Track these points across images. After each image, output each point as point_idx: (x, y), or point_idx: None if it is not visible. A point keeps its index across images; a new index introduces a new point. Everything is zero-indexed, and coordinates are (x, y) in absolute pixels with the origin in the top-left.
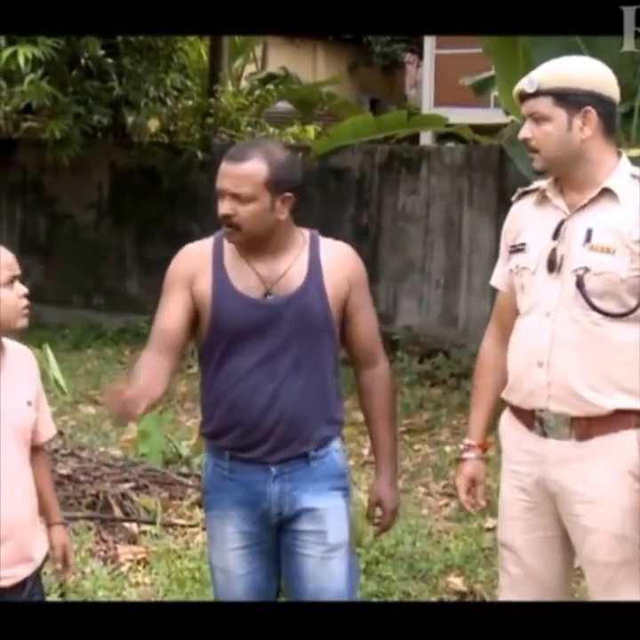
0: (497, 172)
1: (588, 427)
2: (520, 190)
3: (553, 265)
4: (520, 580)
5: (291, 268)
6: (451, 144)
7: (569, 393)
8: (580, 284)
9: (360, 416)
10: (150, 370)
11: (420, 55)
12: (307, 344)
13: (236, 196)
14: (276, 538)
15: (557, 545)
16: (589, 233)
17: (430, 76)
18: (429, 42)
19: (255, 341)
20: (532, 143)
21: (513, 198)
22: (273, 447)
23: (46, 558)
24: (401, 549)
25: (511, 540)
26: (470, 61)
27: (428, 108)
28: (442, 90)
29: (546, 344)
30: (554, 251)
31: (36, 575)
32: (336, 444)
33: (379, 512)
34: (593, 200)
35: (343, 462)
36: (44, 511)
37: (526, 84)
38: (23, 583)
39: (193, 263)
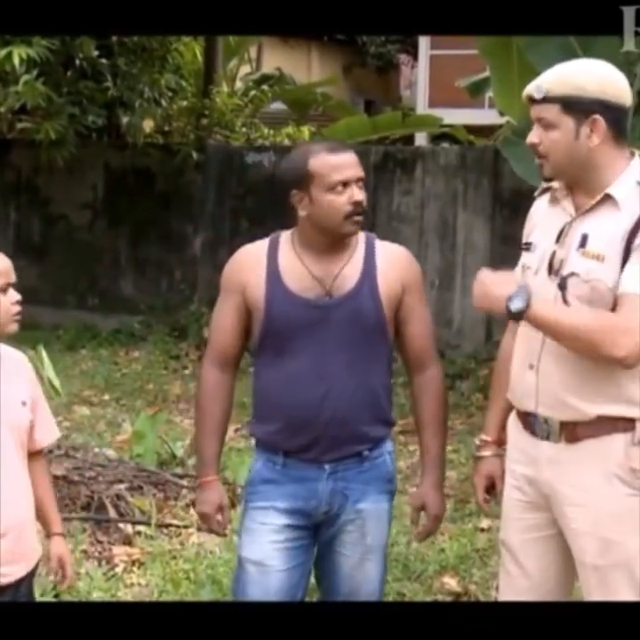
0: (492, 172)
1: (575, 430)
2: (542, 186)
3: (551, 268)
4: (518, 580)
5: (344, 269)
6: (445, 145)
7: (554, 398)
8: (562, 286)
9: None
10: (218, 402)
11: (415, 56)
12: (358, 345)
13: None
14: (314, 535)
15: (555, 545)
16: (585, 238)
17: (425, 77)
18: (424, 42)
19: (307, 342)
20: (540, 149)
21: (536, 193)
22: (326, 448)
23: (39, 562)
24: (396, 550)
25: (509, 540)
26: (465, 62)
27: (422, 108)
28: (436, 90)
29: (537, 347)
30: (554, 254)
31: (30, 577)
32: (388, 446)
33: (423, 518)
34: (595, 205)
35: (393, 465)
36: (43, 520)
37: (534, 90)
38: (18, 583)
39: (246, 265)
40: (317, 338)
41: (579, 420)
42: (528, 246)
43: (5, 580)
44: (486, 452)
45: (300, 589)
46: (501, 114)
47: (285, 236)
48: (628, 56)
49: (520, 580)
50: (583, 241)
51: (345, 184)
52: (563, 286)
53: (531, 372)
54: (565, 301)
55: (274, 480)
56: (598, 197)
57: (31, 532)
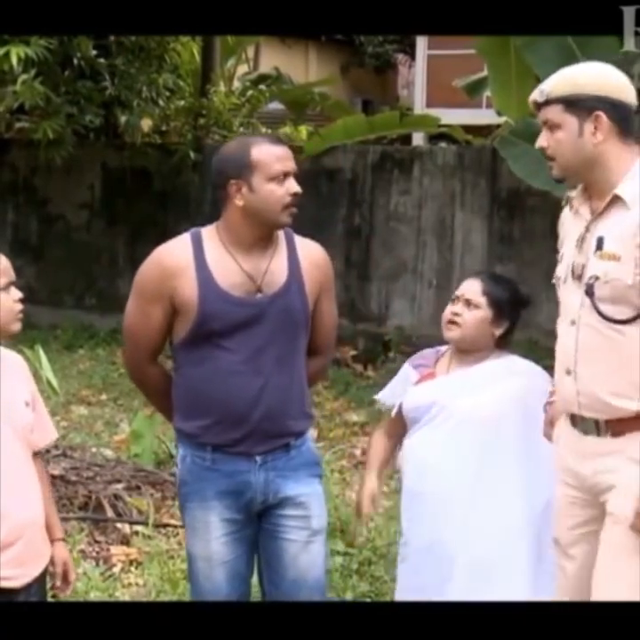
0: (489, 172)
1: (619, 426)
2: (566, 195)
3: (574, 274)
4: (573, 577)
5: (271, 265)
6: (443, 144)
7: (594, 400)
8: (589, 292)
9: (351, 417)
10: (166, 389)
11: (412, 56)
12: (288, 341)
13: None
14: (256, 524)
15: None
16: (600, 241)
17: (422, 77)
18: (421, 42)
19: (241, 339)
20: (549, 151)
21: (563, 202)
22: (257, 442)
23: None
24: (394, 550)
25: (560, 537)
26: (462, 62)
27: (420, 108)
28: (434, 90)
29: (572, 352)
30: (576, 260)
31: (43, 576)
32: (309, 435)
33: None
34: (606, 207)
35: (316, 451)
36: (46, 525)
37: (537, 94)
38: (33, 583)
39: (173, 269)
40: (251, 334)
41: (622, 417)
42: (559, 257)
43: (21, 582)
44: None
45: (245, 577)
46: (499, 113)
47: (208, 232)
48: (627, 56)
49: (574, 577)
50: (599, 244)
51: (285, 175)
52: (590, 292)
53: (569, 378)
54: (595, 307)
55: (205, 477)
56: (608, 199)
57: (43, 532)
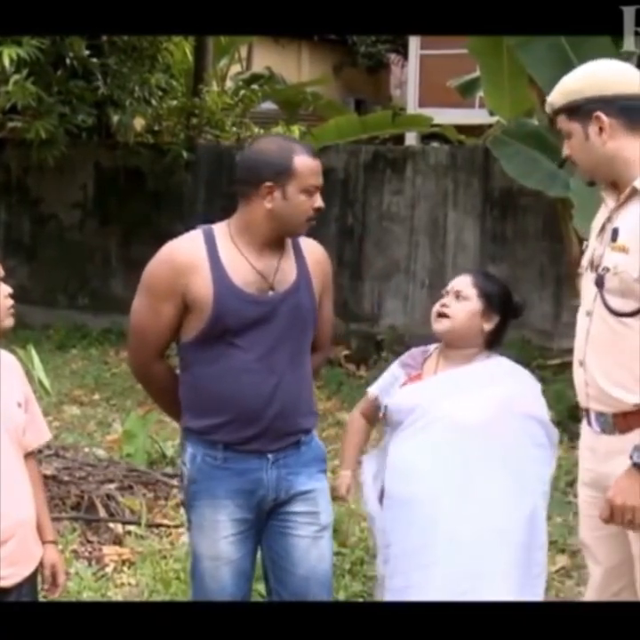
0: (482, 172)
1: (626, 421)
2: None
3: (593, 264)
4: (600, 578)
5: (281, 263)
6: (435, 144)
7: (600, 391)
8: (599, 283)
9: (344, 416)
10: (171, 387)
11: (405, 56)
12: (299, 338)
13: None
14: (263, 522)
15: (625, 542)
16: (615, 232)
17: (415, 77)
18: (414, 42)
19: (254, 337)
20: (571, 159)
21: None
22: (269, 439)
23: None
24: None
25: (585, 538)
26: (455, 62)
27: (412, 108)
28: (426, 90)
29: (582, 344)
30: (594, 251)
31: (34, 577)
32: (315, 431)
33: None
34: (625, 200)
35: (322, 445)
36: (37, 526)
37: (547, 108)
38: (23, 583)
39: (186, 266)
40: (264, 332)
41: (627, 411)
42: (584, 248)
43: (12, 581)
44: None
45: (249, 576)
46: (491, 113)
47: (220, 229)
48: (622, 55)
49: (601, 578)
50: (614, 235)
51: (316, 188)
52: (599, 283)
53: (580, 369)
54: (602, 298)
55: (216, 476)
56: (627, 192)
57: (34, 532)
